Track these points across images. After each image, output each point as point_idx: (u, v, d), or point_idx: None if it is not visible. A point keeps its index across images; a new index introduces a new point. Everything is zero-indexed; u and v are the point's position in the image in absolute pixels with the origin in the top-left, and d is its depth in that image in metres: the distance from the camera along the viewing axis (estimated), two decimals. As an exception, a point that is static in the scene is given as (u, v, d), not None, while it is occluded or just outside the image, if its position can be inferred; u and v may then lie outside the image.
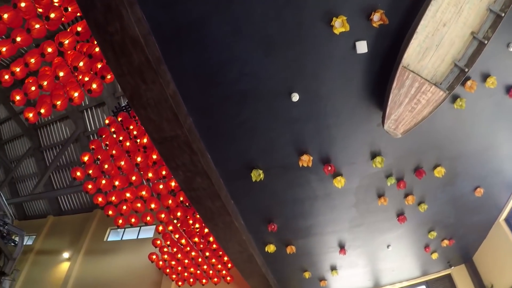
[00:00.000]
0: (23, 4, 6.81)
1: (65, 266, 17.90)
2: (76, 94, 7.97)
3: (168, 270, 12.08)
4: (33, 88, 7.61)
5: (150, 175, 9.53)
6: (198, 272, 12.13)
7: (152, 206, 10.27)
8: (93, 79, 8.03)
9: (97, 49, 8.06)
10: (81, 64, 7.76)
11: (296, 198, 7.87)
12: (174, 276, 12.14)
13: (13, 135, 23.89)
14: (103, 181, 9.91)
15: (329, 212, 8.32)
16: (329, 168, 6.90)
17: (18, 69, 7.52)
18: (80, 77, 7.74)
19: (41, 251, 19.97)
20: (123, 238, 18.04)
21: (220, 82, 5.74)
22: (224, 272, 12.08)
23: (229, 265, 12.14)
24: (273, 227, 8.33)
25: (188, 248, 11.31)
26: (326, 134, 6.58)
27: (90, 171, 9.38)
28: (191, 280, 12.48)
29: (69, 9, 7.04)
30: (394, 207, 8.50)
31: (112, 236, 18.70)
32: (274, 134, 6.52)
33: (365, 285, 11.89)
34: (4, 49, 7.28)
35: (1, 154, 23.15)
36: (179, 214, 10.35)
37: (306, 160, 6.70)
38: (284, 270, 10.59)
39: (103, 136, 9.54)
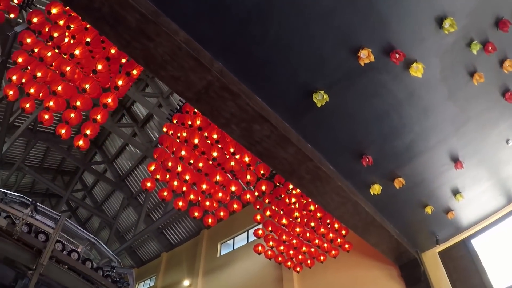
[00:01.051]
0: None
1: (189, 295, 18.21)
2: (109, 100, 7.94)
3: (280, 258, 11.35)
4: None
5: (232, 164, 8.99)
6: (313, 250, 11.22)
7: (248, 196, 9.69)
8: (118, 77, 7.80)
9: (113, 51, 8.06)
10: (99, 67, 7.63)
11: (378, 113, 6.62)
12: (289, 263, 11.37)
13: (106, 194, 25.42)
14: (184, 188, 9.62)
15: (424, 118, 6.94)
16: (397, 55, 5.65)
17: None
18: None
19: None
20: (234, 248, 17.83)
21: (230, 8, 4.99)
22: (339, 240, 11.00)
23: (343, 232, 11.08)
24: (367, 160, 7.17)
25: (291, 228, 10.52)
26: (375, 14, 5.38)
27: (158, 176, 9.06)
28: (308, 261, 11.60)
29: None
30: (494, 83, 6.85)
31: (224, 250, 18.57)
32: (315, 40, 5.46)
33: (497, 203, 10.01)
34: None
35: (102, 215, 24.59)
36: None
37: (365, 55, 5.55)
38: (401, 213, 9.26)
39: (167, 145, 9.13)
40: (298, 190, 10.72)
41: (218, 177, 9.10)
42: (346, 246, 11.05)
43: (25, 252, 10.40)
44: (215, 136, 8.40)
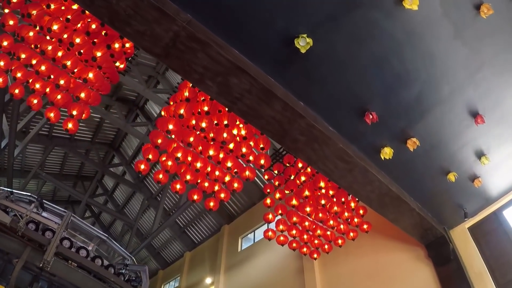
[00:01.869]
0: None
1: (212, 293, 17.78)
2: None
3: (294, 244, 10.68)
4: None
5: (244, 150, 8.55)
6: (329, 233, 10.50)
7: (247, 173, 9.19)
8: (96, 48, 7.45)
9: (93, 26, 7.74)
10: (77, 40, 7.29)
11: (375, 59, 5.85)
12: (304, 249, 10.69)
13: (127, 196, 25.41)
14: (188, 176, 9.16)
15: (430, 63, 6.10)
16: (387, -17, 5.00)
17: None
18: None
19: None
20: (255, 241, 17.27)
21: None
22: (356, 220, 10.22)
23: (361, 212, 10.30)
24: (371, 117, 6.41)
25: (301, 209, 9.85)
26: None
27: (150, 156, 8.63)
28: (326, 246, 10.88)
29: None
30: (508, 17, 6.03)
31: (245, 244, 18.03)
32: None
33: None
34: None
35: (124, 218, 24.53)
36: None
37: (348, -15, 4.91)
38: (421, 182, 8.39)
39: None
40: (308, 170, 10.10)
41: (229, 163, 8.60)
42: (365, 226, 10.26)
43: (32, 250, 10.30)
44: (205, 108, 7.87)
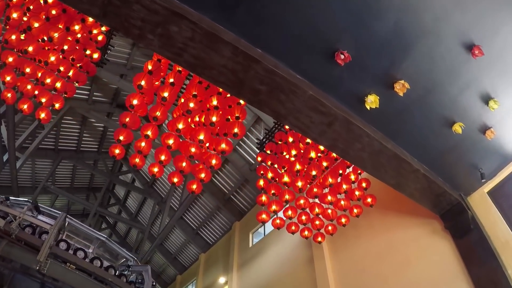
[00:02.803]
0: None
1: (226, 294, 16.90)
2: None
3: (293, 227, 9.67)
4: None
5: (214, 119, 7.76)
6: (330, 211, 9.44)
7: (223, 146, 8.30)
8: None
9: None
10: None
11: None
12: (306, 232, 9.68)
13: (138, 203, 24.91)
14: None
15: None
16: None
17: None
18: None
19: None
20: (265, 234, 16.33)
21: None
22: (357, 193, 9.13)
23: (364, 184, 9.23)
24: (342, 56, 5.33)
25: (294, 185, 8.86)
26: None
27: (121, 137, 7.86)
28: (329, 227, 9.83)
29: None
30: None
31: (256, 238, 17.11)
32: None
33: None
34: None
35: (138, 225, 23.99)
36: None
37: None
38: (421, 136, 7.20)
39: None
40: (301, 145, 9.13)
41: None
42: (369, 200, 9.16)
43: (28, 253, 9.72)
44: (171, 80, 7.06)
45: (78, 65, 9.49)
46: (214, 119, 7.54)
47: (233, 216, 19.39)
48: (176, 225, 22.58)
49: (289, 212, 9.10)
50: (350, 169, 9.26)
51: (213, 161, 8.38)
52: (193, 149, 8.02)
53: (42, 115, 9.49)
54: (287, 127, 10.03)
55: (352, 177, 8.98)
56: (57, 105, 9.51)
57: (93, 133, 22.38)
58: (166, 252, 24.95)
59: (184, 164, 8.59)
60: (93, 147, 23.17)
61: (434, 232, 9.21)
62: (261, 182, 9.57)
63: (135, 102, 7.96)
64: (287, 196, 8.67)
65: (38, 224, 10.32)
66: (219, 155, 8.41)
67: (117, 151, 8.51)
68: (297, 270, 12.86)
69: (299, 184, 8.42)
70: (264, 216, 9.51)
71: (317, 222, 9.43)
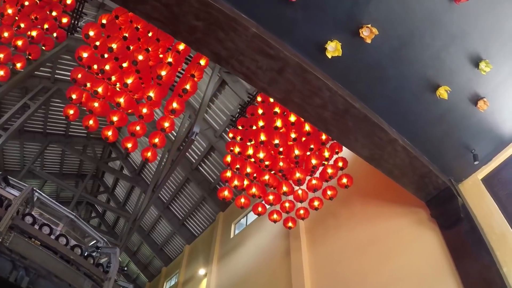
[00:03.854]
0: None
1: (203, 284, 15.69)
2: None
3: (260, 209, 8.48)
4: None
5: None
6: (300, 192, 8.20)
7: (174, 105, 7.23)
8: None
9: None
10: None
11: None
12: (275, 215, 8.49)
13: (126, 192, 23.94)
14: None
15: None
16: None
17: None
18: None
19: (185, 283, 18.27)
20: (247, 223, 15.15)
21: None
22: (330, 171, 7.87)
23: (340, 164, 8.01)
24: None
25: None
26: None
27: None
28: (301, 211, 8.64)
29: None
30: None
31: (238, 229, 15.92)
32: None
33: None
34: None
35: (125, 214, 22.96)
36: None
37: None
38: (398, 100, 5.92)
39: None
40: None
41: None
42: (344, 180, 7.93)
43: None
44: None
45: (45, 27, 8.63)
46: (163, 73, 6.48)
47: (217, 206, 18.25)
48: (162, 215, 21.53)
49: (253, 190, 7.90)
50: (328, 145, 8.08)
51: (166, 124, 7.30)
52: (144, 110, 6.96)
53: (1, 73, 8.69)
54: (259, 99, 8.91)
55: (326, 153, 7.77)
56: (18, 65, 8.88)
57: (82, 117, 21.40)
58: (153, 243, 23.82)
59: (138, 128, 7.63)
60: (82, 132, 22.23)
61: (419, 222, 7.98)
62: (228, 158, 8.45)
63: (85, 55, 7.28)
64: (248, 169, 7.48)
65: (1, 194, 9.59)
66: (171, 116, 7.37)
67: (71, 111, 7.53)
68: (274, 261, 11.67)
69: (261, 155, 7.22)
70: (243, 200, 8.37)
71: (286, 204, 8.24)
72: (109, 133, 7.95)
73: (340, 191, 10.41)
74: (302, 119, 7.11)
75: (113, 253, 11.62)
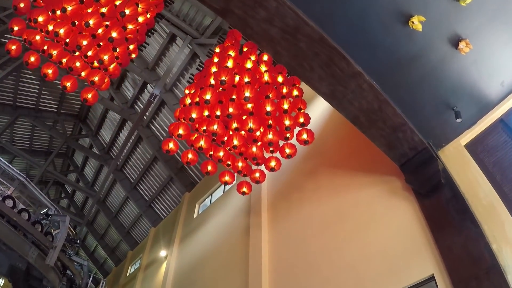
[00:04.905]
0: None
1: (163, 266, 14.14)
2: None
3: (190, 156, 6.83)
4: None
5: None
6: (254, 148, 6.64)
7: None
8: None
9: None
10: None
11: None
12: (226, 177, 6.94)
13: (95, 171, 22.33)
14: None
15: None
16: None
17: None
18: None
19: (147, 266, 16.73)
20: (212, 202, 13.65)
21: None
22: (287, 122, 6.27)
23: (302, 119, 6.48)
24: None
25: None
26: None
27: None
28: (257, 174, 7.12)
29: None
30: None
31: (202, 209, 14.38)
32: None
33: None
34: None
35: (93, 193, 21.34)
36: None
37: None
38: (358, 26, 4.50)
39: None
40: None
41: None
42: (304, 136, 6.44)
43: None
44: None
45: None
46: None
47: (184, 187, 16.72)
48: (129, 196, 19.89)
49: (201, 142, 6.35)
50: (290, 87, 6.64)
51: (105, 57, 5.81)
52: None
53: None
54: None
55: (284, 90, 6.32)
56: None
57: (53, 92, 19.75)
58: (120, 225, 22.13)
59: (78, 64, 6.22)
60: (53, 107, 20.54)
61: (392, 191, 6.57)
62: (178, 113, 6.95)
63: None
64: (193, 115, 5.95)
65: None
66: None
67: (89, 95, 6.84)
68: (234, 240, 10.18)
69: (207, 96, 5.69)
70: (209, 168, 6.85)
71: (239, 164, 6.71)
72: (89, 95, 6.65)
73: (305, 164, 9.03)
74: (247, 38, 5.63)
75: (62, 220, 10.32)
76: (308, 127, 6.67)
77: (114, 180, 20.69)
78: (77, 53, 6.74)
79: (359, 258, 6.39)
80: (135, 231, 21.61)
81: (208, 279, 10.48)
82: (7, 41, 15.27)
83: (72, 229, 11.20)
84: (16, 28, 6.95)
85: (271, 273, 8.12)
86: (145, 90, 16.68)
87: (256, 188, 10.14)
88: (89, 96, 6.82)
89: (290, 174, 9.56)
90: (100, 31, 6.38)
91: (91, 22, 6.03)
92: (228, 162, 6.92)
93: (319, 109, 9.57)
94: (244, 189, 6.97)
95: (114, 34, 6.14)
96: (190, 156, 6.57)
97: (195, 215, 14.23)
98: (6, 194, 9.38)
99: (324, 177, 8.20)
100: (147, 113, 16.13)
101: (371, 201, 6.81)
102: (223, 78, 5.51)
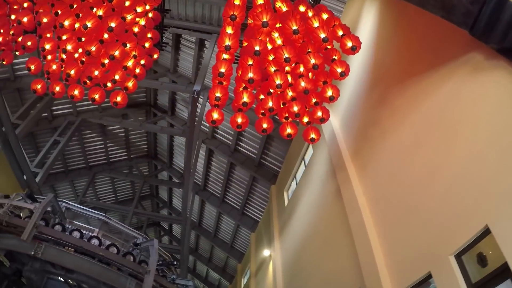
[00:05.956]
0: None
1: (270, 265, 13.66)
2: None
3: (289, 129, 6.16)
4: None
5: None
6: (310, 74, 5.85)
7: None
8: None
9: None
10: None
11: None
12: (265, 125, 6.19)
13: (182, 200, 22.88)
14: None
15: None
16: None
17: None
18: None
19: (256, 272, 16.65)
20: (297, 183, 12.89)
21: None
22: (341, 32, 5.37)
23: (341, 33, 5.57)
24: None
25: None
26: None
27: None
28: (319, 113, 6.33)
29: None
30: None
31: (290, 194, 13.70)
32: None
33: None
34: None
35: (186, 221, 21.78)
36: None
37: None
38: None
39: None
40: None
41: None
42: (349, 44, 5.51)
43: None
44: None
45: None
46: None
47: (268, 181, 16.33)
48: (221, 211, 20.04)
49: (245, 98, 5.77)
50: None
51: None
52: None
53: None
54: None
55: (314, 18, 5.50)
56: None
57: (117, 141, 20.72)
58: (222, 243, 22.42)
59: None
60: (123, 155, 21.55)
61: (476, 69, 5.28)
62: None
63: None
64: (227, 42, 5.36)
65: (24, 207, 9.50)
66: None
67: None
68: (328, 209, 9.34)
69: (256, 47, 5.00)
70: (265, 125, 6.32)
71: (295, 108, 5.95)
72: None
73: (371, 95, 8.07)
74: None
75: (150, 245, 10.35)
76: (359, 55, 5.83)
77: (202, 201, 21.09)
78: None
79: (469, 166, 5.05)
80: (238, 243, 21.69)
81: (315, 259, 9.79)
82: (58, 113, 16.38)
83: (166, 253, 11.18)
84: (32, 67, 6.98)
85: (376, 226, 7.15)
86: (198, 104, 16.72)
87: (333, 145, 9.37)
88: (119, 99, 6.64)
89: (359, 113, 8.69)
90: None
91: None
92: (286, 115, 6.27)
93: (364, 34, 8.60)
94: (312, 136, 6.29)
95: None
96: (215, 115, 6.12)
97: (286, 202, 13.65)
98: (91, 235, 9.76)
99: (396, 97, 7.16)
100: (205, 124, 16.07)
101: (456, 95, 5.62)
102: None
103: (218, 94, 5.86)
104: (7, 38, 6.97)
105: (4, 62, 7.41)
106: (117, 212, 22.53)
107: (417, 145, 6.39)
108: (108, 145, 20.39)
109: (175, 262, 11.32)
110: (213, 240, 22.45)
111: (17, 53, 7.38)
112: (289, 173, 13.77)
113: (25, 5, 6.52)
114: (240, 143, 16.73)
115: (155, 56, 8.41)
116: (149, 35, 7.91)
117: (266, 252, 14.36)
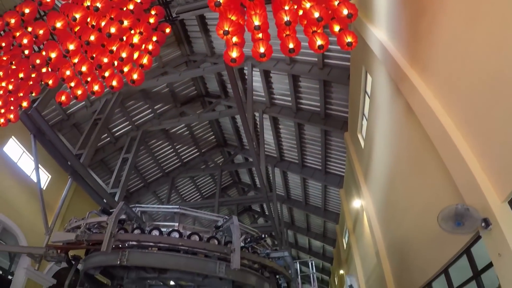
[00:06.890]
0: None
1: (364, 215, 12.61)
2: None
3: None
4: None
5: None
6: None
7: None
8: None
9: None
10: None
11: None
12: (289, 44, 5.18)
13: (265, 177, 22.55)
14: None
15: None
16: None
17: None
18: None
19: (354, 228, 15.84)
20: (367, 118, 11.56)
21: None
22: None
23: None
24: None
25: None
26: None
27: None
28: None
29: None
30: None
31: (364, 134, 12.51)
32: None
33: None
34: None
35: (270, 196, 21.45)
36: None
37: None
38: None
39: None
40: None
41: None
42: None
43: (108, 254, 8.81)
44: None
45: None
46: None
47: (339, 130, 15.18)
48: (304, 176, 19.36)
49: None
50: None
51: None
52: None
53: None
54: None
55: None
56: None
57: (184, 141, 20.92)
58: (315, 208, 21.82)
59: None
60: (194, 152, 21.76)
61: None
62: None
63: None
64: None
65: (99, 221, 9.63)
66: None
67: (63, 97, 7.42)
68: (403, 130, 8.15)
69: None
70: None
71: (316, 14, 4.95)
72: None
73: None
74: None
75: (230, 223, 9.87)
76: None
77: (283, 173, 20.67)
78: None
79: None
80: (330, 204, 20.98)
81: (405, 193, 8.67)
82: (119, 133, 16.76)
83: (253, 229, 10.67)
84: (50, 82, 7.28)
85: (460, 127, 5.80)
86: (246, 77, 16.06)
87: (387, 59, 8.11)
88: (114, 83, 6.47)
89: (402, 13, 7.31)
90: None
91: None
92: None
93: None
94: (349, 39, 5.44)
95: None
96: (234, 54, 5.44)
97: (362, 144, 12.45)
98: (170, 230, 9.48)
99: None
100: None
101: None
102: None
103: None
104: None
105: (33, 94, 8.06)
106: (207, 208, 22.89)
107: (473, 20, 4.98)
108: (176, 147, 20.67)
109: (263, 236, 10.82)
110: (306, 208, 21.95)
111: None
112: (356, 113, 12.52)
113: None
114: (300, 101, 15.78)
115: (167, 30, 8.38)
116: (153, 12, 7.71)
117: (357, 203, 13.44)
